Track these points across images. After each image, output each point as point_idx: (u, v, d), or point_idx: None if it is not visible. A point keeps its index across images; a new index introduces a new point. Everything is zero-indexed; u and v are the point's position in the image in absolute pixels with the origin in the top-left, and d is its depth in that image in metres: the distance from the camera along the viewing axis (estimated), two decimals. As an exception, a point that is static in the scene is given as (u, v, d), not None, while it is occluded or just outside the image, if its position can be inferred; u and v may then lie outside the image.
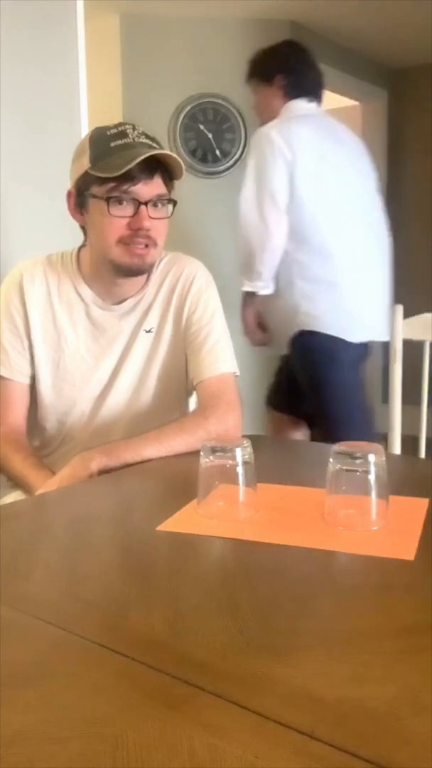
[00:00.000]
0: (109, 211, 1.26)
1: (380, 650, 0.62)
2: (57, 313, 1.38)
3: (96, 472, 1.21)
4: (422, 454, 1.71)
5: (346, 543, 0.86)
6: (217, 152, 3.64)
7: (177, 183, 1.32)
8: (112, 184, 1.25)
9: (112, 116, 2.80)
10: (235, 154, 3.65)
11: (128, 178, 1.24)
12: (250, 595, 0.73)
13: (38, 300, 1.38)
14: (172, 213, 1.32)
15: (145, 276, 1.39)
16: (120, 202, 1.26)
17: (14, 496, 1.32)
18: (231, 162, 3.65)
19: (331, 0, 3.38)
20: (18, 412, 1.40)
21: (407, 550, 0.83)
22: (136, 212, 1.27)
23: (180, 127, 3.56)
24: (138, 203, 1.26)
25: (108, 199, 1.25)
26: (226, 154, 3.65)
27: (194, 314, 1.39)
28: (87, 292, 1.39)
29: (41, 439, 1.44)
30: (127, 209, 1.27)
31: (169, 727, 0.51)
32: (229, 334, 1.43)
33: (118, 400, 1.40)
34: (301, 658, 0.61)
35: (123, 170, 1.22)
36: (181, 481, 1.13)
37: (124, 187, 1.25)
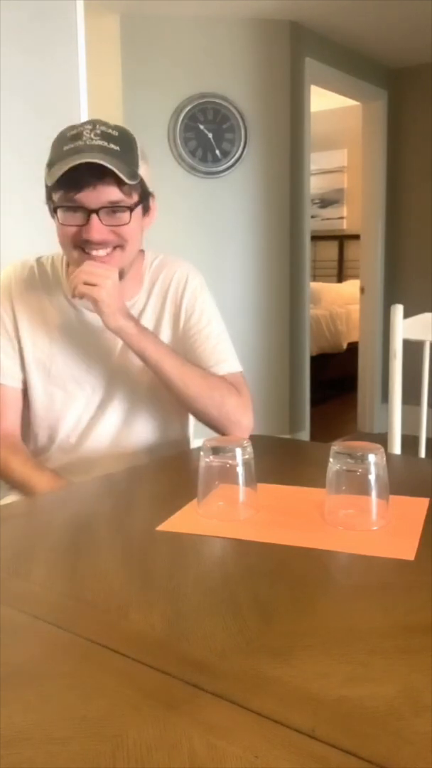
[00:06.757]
0: (60, 219, 1.22)
1: (380, 650, 0.62)
2: (48, 316, 1.35)
3: (115, 328, 1.21)
4: (422, 454, 1.71)
5: (346, 543, 0.86)
6: (217, 152, 3.64)
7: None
8: (60, 192, 1.18)
9: (112, 116, 2.79)
10: (235, 154, 3.65)
11: (73, 185, 1.16)
12: (250, 595, 0.73)
13: (28, 303, 1.35)
14: (131, 219, 1.22)
15: (133, 279, 1.35)
16: (72, 209, 1.19)
17: (15, 496, 1.30)
18: (231, 162, 3.65)
19: (331, 0, 3.38)
20: (12, 417, 1.37)
21: (407, 550, 0.83)
22: (88, 221, 1.19)
23: (180, 127, 3.56)
24: (88, 212, 1.19)
25: (56, 209, 1.21)
26: (226, 154, 3.65)
27: (191, 318, 1.37)
28: None
29: (33, 446, 1.40)
30: (78, 217, 1.19)
31: (169, 727, 0.51)
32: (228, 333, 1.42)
33: (115, 407, 1.36)
34: (301, 658, 0.61)
35: (55, 179, 1.15)
36: (181, 481, 1.13)
37: (70, 194, 1.17)
